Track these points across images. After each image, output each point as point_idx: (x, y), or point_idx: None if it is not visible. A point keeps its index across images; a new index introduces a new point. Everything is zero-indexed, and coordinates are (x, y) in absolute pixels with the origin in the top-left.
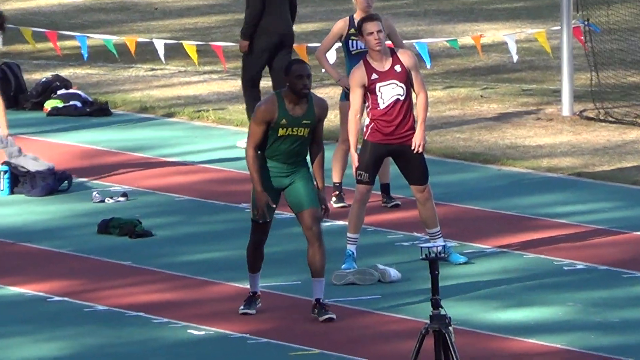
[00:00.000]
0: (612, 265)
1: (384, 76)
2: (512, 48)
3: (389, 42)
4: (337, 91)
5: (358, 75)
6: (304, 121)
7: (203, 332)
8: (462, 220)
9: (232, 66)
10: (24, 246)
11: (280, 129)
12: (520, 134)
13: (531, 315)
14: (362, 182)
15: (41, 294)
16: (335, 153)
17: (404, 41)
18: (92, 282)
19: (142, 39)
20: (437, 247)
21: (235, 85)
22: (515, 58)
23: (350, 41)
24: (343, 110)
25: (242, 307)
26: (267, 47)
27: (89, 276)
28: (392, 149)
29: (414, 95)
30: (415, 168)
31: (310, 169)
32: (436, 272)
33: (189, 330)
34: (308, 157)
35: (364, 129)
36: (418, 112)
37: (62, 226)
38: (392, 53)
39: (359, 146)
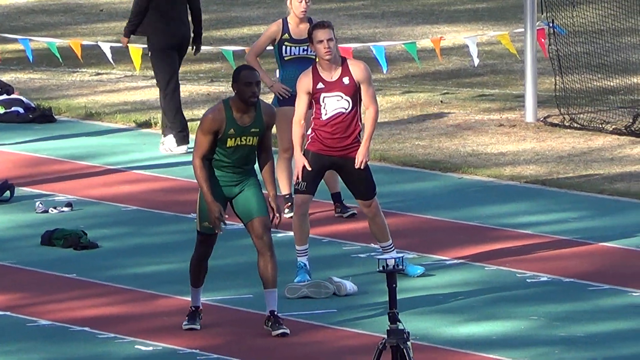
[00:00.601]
0: (577, 277)
1: (330, 87)
2: (474, 51)
3: (348, 46)
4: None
5: (304, 82)
6: (253, 129)
7: (151, 348)
8: (421, 231)
9: (181, 70)
10: None
11: (228, 139)
12: (482, 141)
13: (493, 329)
14: (300, 191)
15: None
16: (278, 164)
17: (359, 44)
18: (35, 295)
19: (87, 42)
20: (394, 259)
21: (184, 90)
22: (476, 62)
23: (283, 47)
24: (279, 117)
25: (185, 322)
26: (171, 47)
27: (32, 289)
28: (333, 161)
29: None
30: (359, 182)
31: (259, 177)
32: (394, 284)
33: (136, 346)
34: (256, 165)
35: (306, 138)
36: (366, 126)
37: (4, 238)
38: (343, 62)
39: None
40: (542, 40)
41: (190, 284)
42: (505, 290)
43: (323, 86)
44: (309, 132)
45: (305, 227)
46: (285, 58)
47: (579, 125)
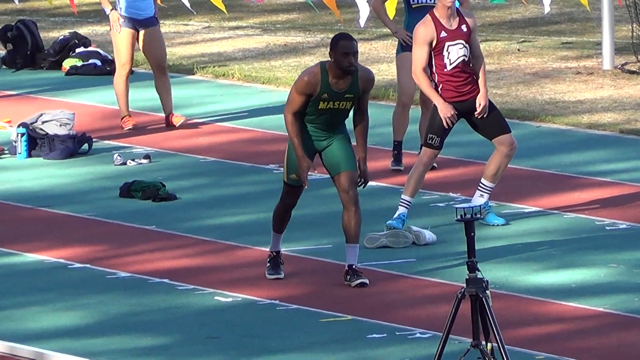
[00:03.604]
0: None
1: (453, 35)
2: None
3: None
4: (379, 46)
5: (427, 32)
6: (347, 95)
7: (231, 299)
8: (500, 180)
9: (257, 21)
10: (43, 211)
11: (321, 102)
12: (560, 89)
13: (572, 277)
14: (433, 146)
15: (61, 261)
16: (396, 111)
17: None
18: (115, 248)
19: None
20: (472, 207)
21: (261, 41)
22: (547, 9)
23: None
24: (401, 63)
25: (269, 270)
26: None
27: (111, 242)
28: (463, 107)
29: None
30: (495, 118)
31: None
32: (472, 233)
33: (215, 297)
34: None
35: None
36: (481, 74)
37: (83, 190)
38: (458, 12)
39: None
40: None
41: (273, 229)
42: (584, 238)
43: (446, 35)
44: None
45: (422, 181)
46: (413, 6)
47: None
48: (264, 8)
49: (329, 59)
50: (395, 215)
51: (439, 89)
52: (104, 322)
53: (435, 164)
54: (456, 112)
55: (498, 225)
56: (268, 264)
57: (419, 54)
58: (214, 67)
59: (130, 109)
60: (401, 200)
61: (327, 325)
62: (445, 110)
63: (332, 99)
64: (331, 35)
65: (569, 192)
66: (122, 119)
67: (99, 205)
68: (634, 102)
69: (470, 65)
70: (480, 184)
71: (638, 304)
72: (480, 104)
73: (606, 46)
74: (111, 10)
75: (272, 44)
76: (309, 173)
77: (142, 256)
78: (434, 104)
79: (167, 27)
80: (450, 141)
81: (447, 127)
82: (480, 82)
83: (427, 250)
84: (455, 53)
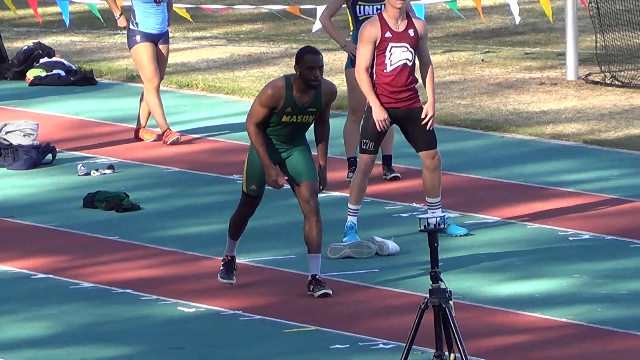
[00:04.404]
0: (620, 235)
1: (398, 37)
2: (515, 9)
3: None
4: (343, 56)
5: (372, 30)
6: (310, 109)
7: (194, 309)
8: (463, 190)
9: (221, 31)
10: (6, 221)
11: (285, 115)
12: (524, 99)
13: (535, 287)
14: (368, 151)
15: (25, 271)
16: (346, 126)
17: None
18: (78, 258)
19: (127, 2)
20: (436, 218)
21: (225, 51)
22: (517, 20)
23: (357, 6)
24: (350, 77)
25: (221, 275)
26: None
27: (75, 252)
28: (398, 114)
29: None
30: (424, 132)
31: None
32: (435, 244)
33: (179, 307)
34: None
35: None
36: (428, 82)
37: (47, 200)
38: (407, 16)
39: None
40: None
41: (229, 235)
42: (548, 248)
43: (391, 35)
44: None
45: (364, 187)
46: (360, 18)
47: (620, 83)
48: (228, 18)
49: (294, 72)
50: (346, 225)
51: (375, 90)
52: (68, 333)
53: (398, 174)
54: (389, 117)
55: (461, 235)
56: (221, 268)
57: (363, 53)
58: (178, 77)
59: (92, 119)
60: (349, 210)
61: (291, 335)
62: (379, 114)
63: (296, 112)
64: (295, 46)
65: (532, 202)
66: (163, 133)
67: (62, 215)
68: (598, 113)
69: (413, 73)
70: (427, 203)
71: (601, 314)
72: (427, 114)
73: (570, 57)
74: (120, 15)
75: (236, 54)
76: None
77: (105, 266)
78: (366, 110)
79: None
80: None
81: (380, 131)
82: (428, 90)
83: (390, 261)
84: (397, 55)
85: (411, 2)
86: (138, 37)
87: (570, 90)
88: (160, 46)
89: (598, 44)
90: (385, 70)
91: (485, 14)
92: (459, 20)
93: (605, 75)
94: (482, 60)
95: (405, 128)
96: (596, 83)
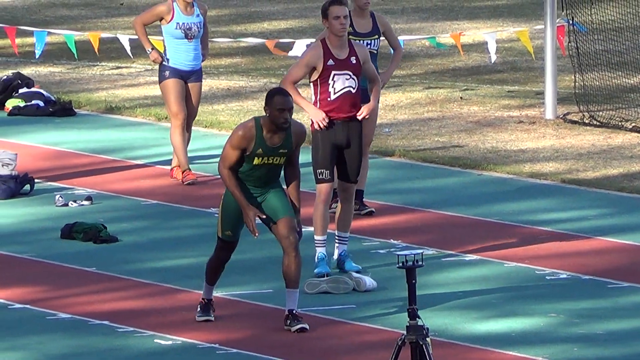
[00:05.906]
0: (597, 274)
1: (341, 65)
2: (492, 47)
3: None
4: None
5: (315, 55)
6: (281, 150)
7: (170, 342)
8: (440, 227)
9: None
10: None
11: (256, 157)
12: (502, 137)
13: (512, 326)
14: (324, 180)
15: (1, 301)
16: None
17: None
18: (55, 289)
19: (105, 34)
20: (414, 254)
21: (204, 84)
22: (493, 58)
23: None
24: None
25: (199, 313)
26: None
27: (52, 283)
28: (341, 134)
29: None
30: (355, 161)
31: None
32: (413, 280)
33: (155, 340)
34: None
35: (310, 125)
36: (373, 91)
37: (24, 230)
38: (349, 43)
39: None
40: (561, 37)
41: (205, 280)
42: (525, 287)
43: (334, 63)
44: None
45: (327, 217)
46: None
47: (598, 123)
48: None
49: (264, 114)
50: (317, 257)
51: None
52: None
53: (372, 209)
54: (326, 116)
55: (354, 272)
56: (199, 309)
57: (296, 72)
58: (156, 109)
59: (70, 150)
60: (316, 242)
61: None
62: (316, 115)
63: (267, 154)
64: (274, 80)
65: (509, 240)
66: (182, 172)
67: (40, 246)
68: (576, 152)
69: (358, 99)
70: (336, 237)
71: (577, 353)
72: (362, 112)
73: (549, 96)
74: (152, 49)
75: (215, 87)
76: (256, 221)
77: (82, 297)
78: (312, 140)
79: (109, 69)
80: (391, 188)
81: (330, 157)
82: (372, 96)
83: (367, 297)
84: (341, 83)
85: None
86: (167, 73)
87: (549, 129)
88: (191, 84)
89: (577, 83)
90: (329, 99)
91: (465, 51)
92: (438, 58)
93: (583, 115)
94: (461, 97)
95: (343, 152)
96: (574, 122)
